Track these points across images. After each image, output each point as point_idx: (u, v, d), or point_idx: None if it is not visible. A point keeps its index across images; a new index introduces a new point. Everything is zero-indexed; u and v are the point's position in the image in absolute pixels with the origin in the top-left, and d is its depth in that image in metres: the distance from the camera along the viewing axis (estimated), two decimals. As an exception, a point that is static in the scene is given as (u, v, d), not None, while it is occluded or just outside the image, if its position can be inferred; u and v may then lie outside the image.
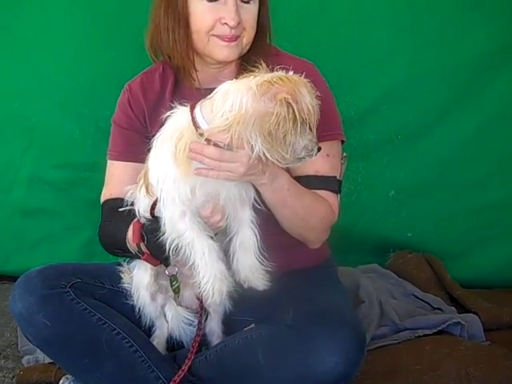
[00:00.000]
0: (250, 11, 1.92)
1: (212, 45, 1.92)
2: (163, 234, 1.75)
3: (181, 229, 1.72)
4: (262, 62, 1.65)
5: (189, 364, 1.86)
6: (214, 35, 1.91)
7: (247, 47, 1.97)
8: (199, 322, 1.93)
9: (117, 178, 2.07)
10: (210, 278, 1.71)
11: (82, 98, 2.88)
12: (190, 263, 1.74)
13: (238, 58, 1.97)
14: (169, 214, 1.73)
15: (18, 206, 3.04)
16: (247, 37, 1.94)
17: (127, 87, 2.12)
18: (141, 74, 2.14)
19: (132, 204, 1.90)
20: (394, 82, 2.81)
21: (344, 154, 2.08)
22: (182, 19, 1.92)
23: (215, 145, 1.62)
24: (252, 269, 1.79)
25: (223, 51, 1.91)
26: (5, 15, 2.85)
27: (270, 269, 1.80)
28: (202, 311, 1.94)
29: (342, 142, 2.05)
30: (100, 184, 2.14)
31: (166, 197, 1.73)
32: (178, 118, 1.72)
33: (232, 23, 1.87)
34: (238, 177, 1.69)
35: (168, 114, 1.74)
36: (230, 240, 1.81)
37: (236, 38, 1.91)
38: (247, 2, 1.91)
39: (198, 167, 1.68)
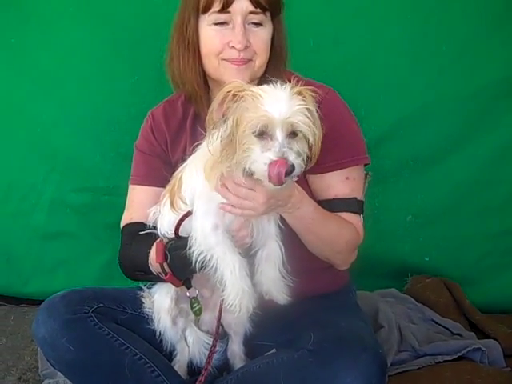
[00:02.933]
0: (261, 35, 1.95)
1: (222, 68, 1.96)
2: (188, 251, 1.75)
3: (212, 242, 1.74)
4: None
5: (202, 380, 1.84)
6: (223, 59, 1.95)
7: (260, 71, 2.00)
8: (214, 339, 1.92)
9: (138, 203, 2.10)
10: (238, 292, 1.72)
11: (102, 124, 2.93)
12: (217, 278, 1.74)
13: (250, 81, 1.97)
14: (201, 226, 1.75)
15: (38, 230, 3.09)
16: (259, 60, 1.97)
17: (150, 115, 2.17)
18: (163, 101, 2.19)
19: (154, 227, 1.92)
20: (410, 107, 2.84)
21: (368, 173, 2.10)
22: (191, 46, 1.97)
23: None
24: (275, 281, 1.81)
25: (233, 74, 1.94)
26: (29, 44, 2.91)
27: (292, 284, 1.81)
28: (218, 324, 1.92)
29: (366, 164, 2.06)
30: (119, 208, 2.17)
31: (201, 209, 1.76)
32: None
33: (239, 46, 1.90)
34: (258, 215, 1.72)
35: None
36: (255, 254, 1.82)
37: (246, 61, 1.94)
38: (258, 26, 1.94)
39: (222, 202, 1.70)
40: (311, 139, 1.61)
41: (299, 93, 1.60)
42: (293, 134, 1.58)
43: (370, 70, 2.82)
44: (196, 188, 1.77)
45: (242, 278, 1.72)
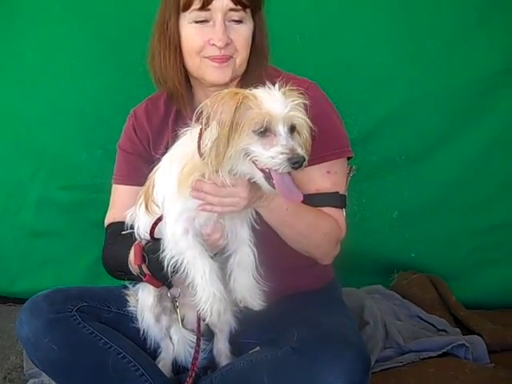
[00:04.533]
0: (241, 32, 1.95)
1: (204, 66, 1.95)
2: (164, 252, 1.76)
3: (183, 246, 1.74)
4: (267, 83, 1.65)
5: (190, 382, 1.85)
6: (205, 57, 1.94)
7: (241, 68, 2.00)
8: (197, 339, 1.92)
9: (121, 202, 2.10)
10: (209, 297, 1.72)
11: (89, 122, 2.93)
12: (189, 282, 1.75)
13: (232, 79, 1.98)
14: (171, 231, 1.75)
15: (25, 228, 3.08)
16: (240, 57, 1.96)
17: (132, 113, 2.16)
18: (146, 100, 2.18)
19: (133, 227, 1.92)
20: (396, 104, 2.85)
21: (352, 167, 2.10)
22: (172, 43, 1.97)
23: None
24: (249, 288, 1.81)
25: (215, 72, 1.95)
26: (15, 42, 2.90)
27: (266, 289, 1.80)
28: (199, 328, 1.92)
29: (349, 158, 2.06)
30: (106, 206, 2.17)
31: (170, 214, 1.76)
32: (189, 139, 1.73)
33: (219, 43, 1.90)
34: (240, 210, 1.72)
35: (184, 130, 1.75)
36: (228, 259, 1.82)
37: (227, 58, 1.94)
38: (238, 23, 1.94)
39: (202, 203, 1.70)
40: (306, 134, 1.62)
41: (290, 91, 1.62)
42: (291, 129, 1.59)
43: (356, 67, 2.82)
44: (166, 191, 1.76)
45: (212, 283, 1.72)
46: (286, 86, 1.63)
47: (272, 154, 1.56)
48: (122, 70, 2.84)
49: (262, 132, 1.56)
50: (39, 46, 2.90)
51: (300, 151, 1.56)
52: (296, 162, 1.54)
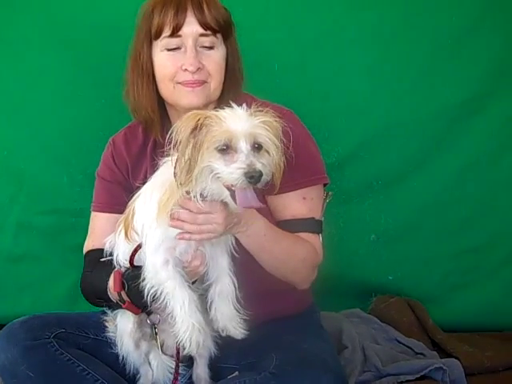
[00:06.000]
0: (214, 57, 1.99)
1: (178, 92, 1.99)
2: (144, 281, 1.76)
3: (163, 277, 1.74)
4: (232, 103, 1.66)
5: None
6: (178, 82, 1.97)
7: (216, 92, 2.03)
8: (176, 365, 1.92)
9: (99, 229, 2.11)
10: (188, 328, 1.72)
11: (69, 146, 2.92)
12: (168, 312, 1.75)
13: (207, 103, 2.01)
14: (152, 261, 1.75)
15: (3, 252, 3.03)
16: (214, 82, 2.00)
17: (111, 141, 2.18)
18: (124, 128, 2.20)
19: (112, 254, 1.92)
20: (373, 129, 2.89)
21: (329, 193, 2.13)
22: (145, 72, 2.01)
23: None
24: (230, 318, 1.81)
25: (188, 97, 1.98)
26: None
27: (247, 318, 1.81)
28: (178, 356, 1.92)
29: (325, 184, 2.09)
30: (86, 230, 2.18)
31: (150, 243, 1.76)
32: (168, 167, 1.73)
33: (191, 68, 1.94)
34: (219, 235, 1.73)
35: (164, 160, 1.75)
36: (208, 288, 1.83)
37: (200, 83, 1.97)
38: (210, 49, 1.98)
39: (181, 232, 1.71)
40: (274, 153, 1.62)
41: (258, 111, 1.64)
42: (257, 148, 1.60)
43: (332, 94, 2.87)
44: (146, 219, 1.77)
45: (191, 314, 1.72)
46: (258, 110, 1.64)
47: (231, 170, 1.57)
48: (101, 95, 2.85)
49: (223, 149, 1.57)
50: (19, 72, 2.89)
51: (259, 167, 1.56)
52: (252, 177, 1.54)
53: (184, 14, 1.93)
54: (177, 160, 1.62)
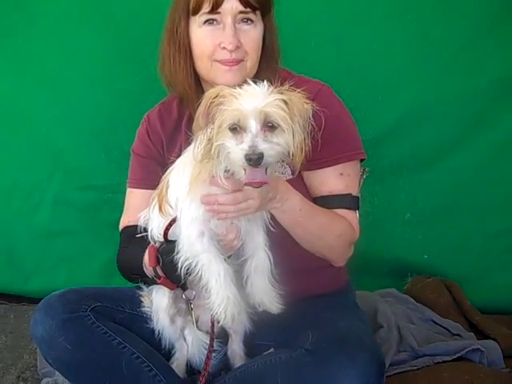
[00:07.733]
0: (252, 34, 1.95)
1: (215, 70, 1.95)
2: (178, 254, 1.76)
3: (198, 249, 1.74)
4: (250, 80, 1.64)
5: (203, 382, 1.86)
6: (216, 60, 1.94)
7: (252, 71, 1.99)
8: (211, 340, 1.92)
9: (135, 206, 2.11)
10: (223, 300, 1.72)
11: (106, 123, 2.95)
12: (203, 285, 1.75)
13: (243, 81, 1.98)
14: (187, 233, 1.75)
15: (42, 228, 3.10)
16: (250, 60, 1.96)
17: (146, 117, 2.18)
18: (159, 104, 2.19)
19: (146, 230, 1.93)
20: (410, 107, 2.83)
21: (366, 169, 2.09)
22: (182, 47, 1.97)
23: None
24: (266, 292, 1.81)
25: (226, 76, 1.94)
26: (34, 44, 2.93)
27: (283, 292, 1.81)
28: (213, 330, 1.93)
29: (362, 159, 2.06)
30: (122, 206, 2.19)
31: (185, 216, 1.75)
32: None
33: (230, 47, 1.90)
34: (254, 211, 1.72)
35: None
36: (244, 264, 1.82)
37: (238, 61, 1.94)
38: (248, 24, 1.93)
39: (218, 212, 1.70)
40: (293, 132, 1.57)
41: (280, 90, 1.59)
42: (271, 127, 1.56)
43: (370, 70, 2.81)
44: (180, 192, 1.76)
45: (226, 287, 1.72)
46: (292, 88, 1.60)
47: (237, 151, 1.55)
48: (138, 72, 2.85)
49: (234, 128, 1.56)
50: (57, 49, 2.92)
51: (261, 149, 1.52)
52: (250, 159, 1.52)
53: None
54: (195, 138, 1.61)
